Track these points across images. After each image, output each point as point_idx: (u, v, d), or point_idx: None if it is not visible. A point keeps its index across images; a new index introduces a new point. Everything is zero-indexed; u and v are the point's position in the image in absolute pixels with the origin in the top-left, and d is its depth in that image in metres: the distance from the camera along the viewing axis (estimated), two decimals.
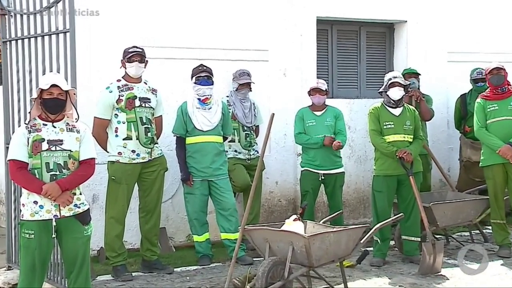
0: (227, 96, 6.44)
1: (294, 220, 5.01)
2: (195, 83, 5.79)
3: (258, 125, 6.62)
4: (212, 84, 5.82)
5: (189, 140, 5.82)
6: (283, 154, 6.99)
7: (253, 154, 6.43)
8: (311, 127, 6.23)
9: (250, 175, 6.22)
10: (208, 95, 5.79)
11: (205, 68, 5.82)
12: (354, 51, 7.63)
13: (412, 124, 5.88)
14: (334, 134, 6.23)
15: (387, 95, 5.81)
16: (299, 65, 7.00)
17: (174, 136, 5.91)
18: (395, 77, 5.81)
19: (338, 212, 5.74)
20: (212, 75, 5.84)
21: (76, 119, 4.11)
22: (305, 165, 6.29)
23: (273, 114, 5.08)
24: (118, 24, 6.09)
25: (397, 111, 5.87)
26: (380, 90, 5.92)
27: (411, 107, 6.06)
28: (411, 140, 5.86)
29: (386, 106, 5.87)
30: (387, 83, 5.80)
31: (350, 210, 7.30)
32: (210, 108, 5.82)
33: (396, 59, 7.75)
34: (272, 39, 6.89)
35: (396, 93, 5.78)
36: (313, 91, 6.26)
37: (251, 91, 6.46)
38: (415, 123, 5.90)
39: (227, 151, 6.19)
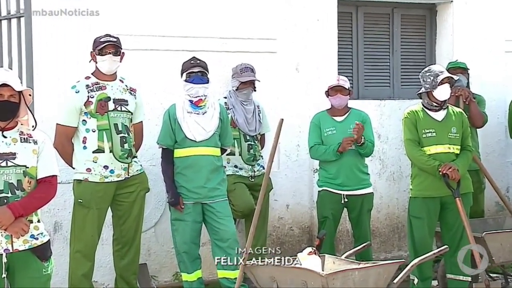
0: (225, 98, 6.45)
1: (309, 254, 4.99)
2: (186, 80, 5.81)
3: (264, 134, 6.63)
4: (208, 82, 5.84)
5: (178, 152, 5.83)
6: (296, 171, 7.00)
7: (257, 171, 6.44)
8: (330, 137, 6.22)
9: (254, 197, 6.22)
10: (202, 96, 5.80)
11: (198, 62, 5.83)
12: (386, 39, 7.65)
13: (459, 131, 5.86)
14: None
15: (434, 95, 5.79)
16: (316, 57, 7.03)
17: (159, 147, 5.93)
18: (442, 72, 5.78)
19: (365, 244, 5.71)
20: (208, 71, 5.86)
21: (33, 126, 4.13)
22: (323, 184, 6.29)
23: (282, 119, 5.08)
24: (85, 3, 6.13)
25: (439, 115, 5.85)
26: (421, 91, 5.87)
27: (457, 109, 6.04)
28: (457, 151, 5.84)
29: (426, 110, 5.86)
30: (434, 80, 5.73)
31: (381, 241, 7.28)
32: (205, 112, 5.83)
33: (439, 49, 7.77)
34: (281, 25, 6.92)
35: (446, 92, 5.76)
36: (332, 91, 6.25)
37: (255, 91, 6.48)
38: (463, 129, 5.88)
39: (224, 167, 6.19)
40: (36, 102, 5.42)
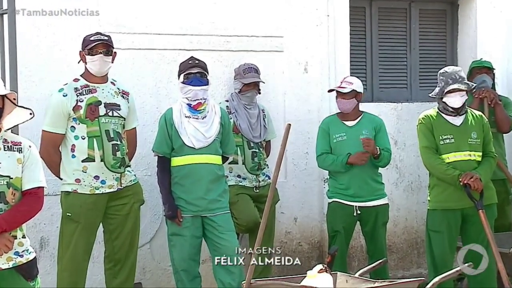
0: (227, 101, 6.47)
1: (319, 272, 4.99)
2: (183, 82, 5.81)
3: (269, 141, 6.65)
4: (207, 84, 5.84)
5: (176, 161, 5.82)
6: (304, 180, 7.01)
7: (262, 181, 6.45)
8: (340, 144, 6.23)
9: (259, 210, 6.24)
10: (201, 99, 5.80)
11: (197, 62, 5.84)
12: (402, 37, 7.67)
13: (480, 137, 5.87)
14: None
15: (444, 101, 5.83)
16: (326, 57, 7.05)
17: (154, 155, 5.94)
18: (454, 79, 5.78)
19: (381, 261, 5.70)
20: (207, 72, 5.87)
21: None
22: (334, 195, 6.29)
23: (290, 125, 5.08)
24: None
25: (458, 120, 5.87)
26: (432, 94, 5.92)
27: (477, 112, 6.04)
28: (479, 159, 5.85)
29: (443, 114, 5.88)
30: (445, 86, 5.79)
31: (398, 258, 7.29)
32: (205, 116, 5.83)
33: (461, 47, 7.77)
34: (288, 21, 6.93)
35: (456, 101, 5.79)
36: (337, 93, 6.28)
37: (259, 93, 6.50)
38: (484, 134, 5.90)
39: (226, 176, 6.20)
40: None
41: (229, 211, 5.93)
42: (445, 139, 5.83)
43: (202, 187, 5.75)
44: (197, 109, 5.79)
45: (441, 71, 5.93)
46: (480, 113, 6.10)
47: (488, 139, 5.92)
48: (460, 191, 5.74)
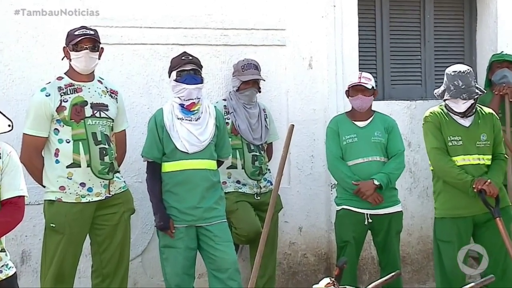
0: (224, 100, 6.48)
1: (326, 286, 4.99)
2: (176, 80, 5.81)
3: (271, 143, 6.66)
4: (202, 82, 5.84)
5: (167, 166, 5.82)
6: (310, 186, 7.02)
7: (264, 187, 6.46)
8: (350, 146, 6.23)
9: (260, 218, 6.24)
10: (195, 99, 5.80)
11: (190, 58, 5.84)
12: (416, 29, 7.67)
13: (490, 138, 5.87)
14: (387, 158, 6.23)
15: (447, 103, 5.85)
16: (332, 51, 7.05)
17: (144, 161, 5.94)
18: (456, 86, 5.73)
19: (394, 273, 5.70)
20: (201, 68, 5.87)
21: (9, 126, 4.12)
22: (342, 202, 6.29)
23: (293, 125, 5.08)
24: None
25: (467, 121, 5.88)
26: (435, 93, 5.92)
27: (486, 109, 6.04)
28: (488, 162, 5.87)
29: (450, 113, 5.88)
30: (444, 91, 5.80)
31: (413, 270, 7.29)
32: (199, 118, 5.83)
33: (480, 39, 7.78)
34: (291, 13, 6.94)
35: (459, 107, 5.80)
36: (353, 90, 6.27)
37: (259, 91, 6.51)
38: (495, 135, 5.90)
39: (225, 183, 6.21)
40: None
41: (225, 220, 5.91)
42: (453, 140, 5.83)
43: (196, 195, 5.74)
44: (191, 110, 5.78)
45: (447, 70, 5.92)
46: (490, 110, 6.08)
47: (498, 140, 5.93)
48: (470, 197, 5.75)
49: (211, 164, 5.85)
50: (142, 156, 5.88)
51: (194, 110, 5.79)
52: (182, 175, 5.75)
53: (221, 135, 5.94)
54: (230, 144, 6.14)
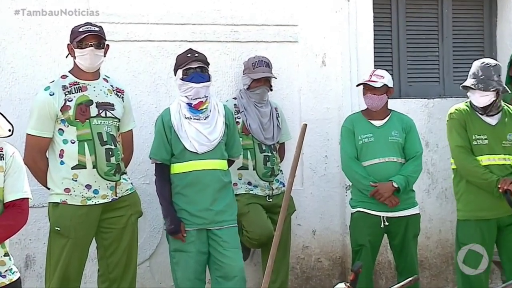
0: (234, 98, 6.49)
1: None
2: (182, 79, 5.80)
3: (283, 143, 6.66)
4: (209, 80, 5.82)
5: (176, 168, 5.81)
6: (324, 188, 7.02)
7: (276, 188, 6.46)
8: (366, 146, 6.23)
9: (272, 221, 6.24)
10: (203, 98, 5.80)
11: (196, 55, 5.82)
12: (434, 23, 7.66)
13: None
14: (404, 159, 6.23)
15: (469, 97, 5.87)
16: (346, 47, 7.05)
17: (152, 163, 5.94)
18: (475, 75, 5.74)
19: (411, 278, 5.67)
20: (208, 65, 5.85)
21: (9, 130, 4.13)
22: (358, 205, 6.29)
23: (306, 125, 5.06)
24: None
25: (493, 120, 5.89)
26: (464, 84, 5.92)
27: None
28: None
29: (476, 111, 5.87)
30: (467, 83, 5.80)
31: (432, 275, 7.28)
32: (207, 116, 5.81)
33: (501, 35, 7.76)
34: (303, 8, 6.94)
35: (478, 100, 5.81)
36: (364, 88, 6.27)
37: (271, 90, 6.51)
38: None
39: (235, 184, 6.21)
40: None
41: (236, 225, 5.90)
42: (478, 139, 5.84)
43: (207, 197, 5.73)
44: (199, 109, 5.77)
45: (475, 62, 5.94)
46: None
47: None
48: (494, 198, 5.75)
49: (222, 164, 5.83)
50: (150, 158, 5.88)
51: (202, 109, 5.77)
52: (192, 176, 5.74)
53: (231, 133, 5.93)
54: (240, 143, 6.14)
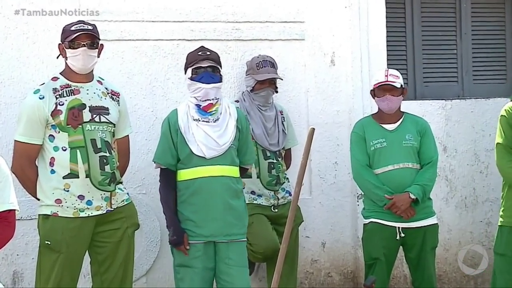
0: (237, 101, 6.48)
1: None
2: (191, 78, 5.79)
3: (289, 149, 6.67)
4: (220, 81, 5.76)
5: (183, 174, 5.76)
6: (334, 197, 7.02)
7: (282, 198, 6.46)
8: (379, 152, 6.22)
9: (278, 233, 6.24)
10: (212, 100, 5.77)
11: (208, 53, 5.78)
12: (451, 19, 7.67)
13: None
14: (420, 164, 6.22)
15: None
16: (357, 45, 7.06)
17: (156, 167, 5.90)
18: None
19: None
20: (220, 66, 5.81)
21: None
22: (371, 215, 6.27)
23: (313, 129, 5.09)
24: None
25: None
26: None
27: None
28: None
29: None
30: None
31: None
32: (217, 119, 5.78)
33: None
34: (310, 4, 6.95)
35: None
36: (379, 90, 6.26)
37: (276, 92, 6.52)
38: None
39: None
40: None
41: (245, 239, 5.86)
42: None
43: (216, 206, 5.66)
44: (208, 111, 5.73)
45: None
46: None
47: None
48: None
49: (233, 170, 5.77)
50: (154, 162, 5.82)
51: (212, 111, 5.72)
52: (200, 183, 5.67)
53: (244, 139, 5.88)
54: (254, 149, 6.14)
